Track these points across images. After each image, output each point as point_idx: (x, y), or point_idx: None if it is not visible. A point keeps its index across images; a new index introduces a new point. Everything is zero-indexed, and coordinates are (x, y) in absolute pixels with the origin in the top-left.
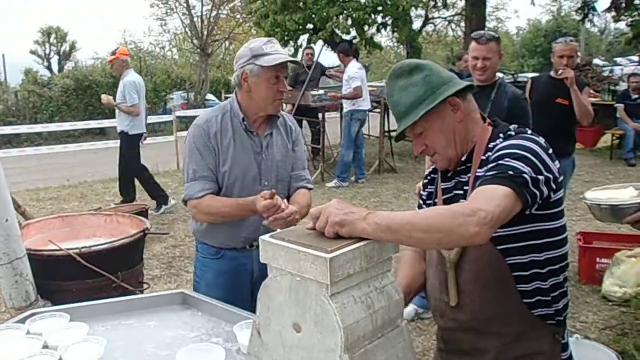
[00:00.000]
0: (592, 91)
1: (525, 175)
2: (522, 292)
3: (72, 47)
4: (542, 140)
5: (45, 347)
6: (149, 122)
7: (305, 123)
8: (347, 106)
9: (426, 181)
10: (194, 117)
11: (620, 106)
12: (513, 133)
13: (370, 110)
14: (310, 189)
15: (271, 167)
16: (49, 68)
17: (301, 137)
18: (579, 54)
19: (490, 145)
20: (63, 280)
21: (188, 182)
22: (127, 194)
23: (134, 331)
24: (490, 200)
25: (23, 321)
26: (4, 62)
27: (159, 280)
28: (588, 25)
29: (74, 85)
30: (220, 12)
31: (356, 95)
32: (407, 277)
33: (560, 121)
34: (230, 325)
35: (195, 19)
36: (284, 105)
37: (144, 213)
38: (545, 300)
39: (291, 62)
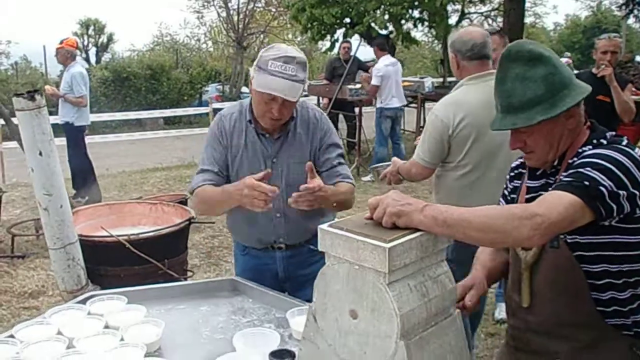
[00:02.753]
0: (634, 88)
1: (602, 188)
2: (597, 299)
3: (110, 39)
4: (636, 152)
5: (106, 327)
6: (184, 113)
7: (341, 117)
8: (377, 103)
9: (512, 174)
10: None
11: None
12: (605, 142)
13: (406, 105)
14: (350, 183)
15: (281, 171)
16: (87, 59)
17: (331, 132)
18: (621, 50)
19: (580, 150)
20: (111, 265)
21: (196, 173)
22: (87, 189)
23: (187, 315)
24: (553, 206)
25: (83, 302)
26: (45, 53)
27: (198, 269)
28: (631, 20)
29: (111, 77)
30: (255, 5)
31: (368, 91)
32: (484, 267)
33: (601, 118)
34: (281, 312)
35: (232, 12)
36: (321, 98)
37: (184, 202)
38: (622, 310)
39: (282, 97)
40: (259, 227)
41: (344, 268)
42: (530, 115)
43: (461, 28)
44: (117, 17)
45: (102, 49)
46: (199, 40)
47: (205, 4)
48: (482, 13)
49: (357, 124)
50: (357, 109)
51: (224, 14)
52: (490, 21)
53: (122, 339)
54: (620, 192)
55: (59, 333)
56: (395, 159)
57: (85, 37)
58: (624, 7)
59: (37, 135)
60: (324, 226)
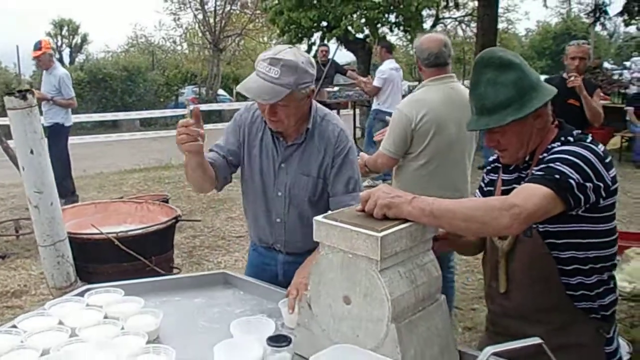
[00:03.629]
0: (602, 93)
1: (571, 181)
2: (566, 284)
3: (84, 40)
4: (600, 148)
5: (106, 317)
6: (161, 115)
7: None
8: (374, 104)
9: (489, 167)
10: (207, 111)
11: (630, 109)
12: (572, 139)
13: None
14: None
15: (287, 178)
16: (60, 60)
17: (346, 152)
18: (590, 56)
19: (550, 147)
20: (99, 262)
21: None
22: (70, 192)
23: (182, 307)
24: (528, 198)
25: (81, 295)
26: (18, 54)
27: (180, 268)
28: (598, 28)
29: (87, 78)
30: (232, 7)
31: (370, 91)
32: None
33: (571, 121)
34: (272, 303)
35: (208, 14)
36: None
37: (166, 202)
38: (589, 294)
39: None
40: (260, 226)
41: (338, 257)
42: (501, 117)
43: (423, 34)
44: (91, 18)
45: (76, 49)
46: (174, 42)
47: (182, 6)
48: (456, 18)
49: None
50: (335, 111)
51: (200, 16)
52: (464, 26)
53: (122, 329)
54: (587, 184)
55: (60, 323)
56: (362, 153)
57: (59, 38)
58: (591, 15)
59: (28, 134)
60: (319, 218)
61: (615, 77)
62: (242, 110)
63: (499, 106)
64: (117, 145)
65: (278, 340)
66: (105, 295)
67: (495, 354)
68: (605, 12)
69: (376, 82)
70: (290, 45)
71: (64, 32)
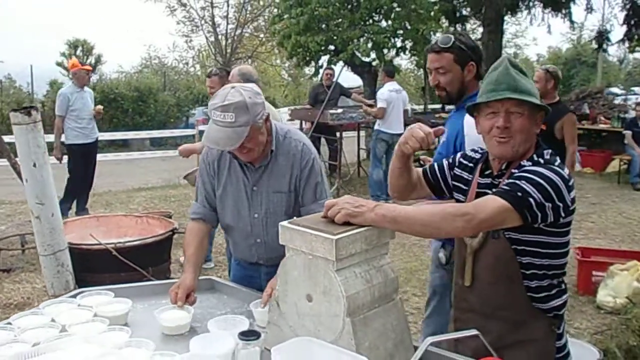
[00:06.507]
0: (602, 117)
1: (531, 199)
2: (527, 287)
3: (98, 60)
4: (565, 172)
5: (95, 316)
6: (171, 135)
7: (323, 140)
8: (376, 125)
9: (464, 162)
10: None
11: (628, 133)
12: (542, 161)
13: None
14: None
15: (261, 199)
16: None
17: (311, 165)
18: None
19: (522, 163)
20: (98, 272)
21: (194, 200)
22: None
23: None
24: (483, 208)
25: (74, 297)
26: (32, 73)
27: None
28: (605, 53)
29: (99, 97)
30: (244, 30)
31: (377, 114)
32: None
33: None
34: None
35: (220, 37)
36: (303, 122)
37: (169, 218)
38: (545, 295)
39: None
40: (241, 249)
41: (301, 258)
42: (530, 97)
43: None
44: (106, 39)
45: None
46: (187, 63)
47: (194, 28)
48: None
49: (338, 147)
50: (338, 133)
51: (212, 39)
52: None
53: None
54: (547, 203)
55: (53, 321)
56: None
57: (74, 58)
58: (594, 42)
59: (32, 148)
60: (285, 223)
61: (618, 101)
62: (207, 149)
63: (527, 90)
64: (126, 164)
65: (248, 335)
66: (96, 296)
67: (434, 343)
68: (608, 39)
69: (380, 104)
70: (232, 85)
71: (79, 52)
